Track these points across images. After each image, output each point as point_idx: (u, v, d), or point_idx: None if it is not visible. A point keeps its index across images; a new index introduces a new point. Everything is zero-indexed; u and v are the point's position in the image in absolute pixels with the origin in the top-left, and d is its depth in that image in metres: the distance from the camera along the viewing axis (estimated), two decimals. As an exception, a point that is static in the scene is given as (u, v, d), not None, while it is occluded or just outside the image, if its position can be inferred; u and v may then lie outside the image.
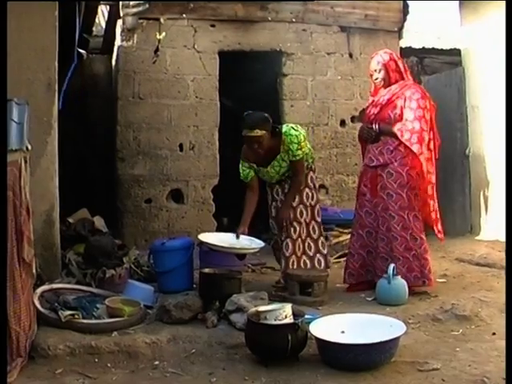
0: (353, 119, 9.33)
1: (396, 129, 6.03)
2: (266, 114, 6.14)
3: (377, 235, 6.17)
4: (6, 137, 4.57)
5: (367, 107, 6.48)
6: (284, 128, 6.13)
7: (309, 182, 6.40)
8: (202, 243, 6.05)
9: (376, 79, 6.29)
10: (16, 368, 4.39)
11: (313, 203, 6.37)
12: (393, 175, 6.06)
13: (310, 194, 6.37)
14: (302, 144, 6.08)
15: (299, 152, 6.08)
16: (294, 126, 6.24)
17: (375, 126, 6.14)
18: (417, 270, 6.02)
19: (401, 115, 6.07)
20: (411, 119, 6.00)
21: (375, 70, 6.27)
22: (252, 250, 6.00)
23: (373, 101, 6.37)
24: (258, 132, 6.00)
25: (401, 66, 6.28)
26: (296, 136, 6.05)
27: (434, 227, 6.29)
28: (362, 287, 6.24)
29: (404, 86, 6.18)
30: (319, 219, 6.41)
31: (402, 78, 6.25)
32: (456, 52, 9.98)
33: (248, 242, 6.06)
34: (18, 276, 4.50)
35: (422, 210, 6.16)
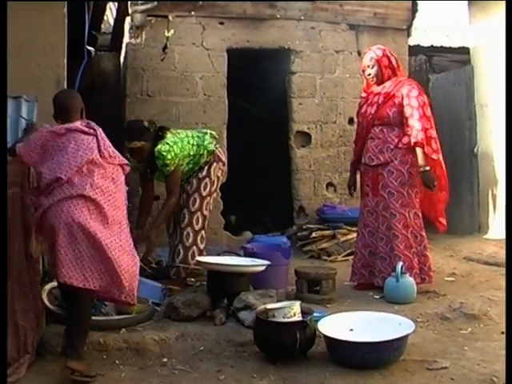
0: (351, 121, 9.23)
1: (420, 153, 5.98)
2: (146, 124, 6.26)
3: (377, 235, 6.18)
4: (5, 136, 4.57)
5: (361, 106, 6.46)
6: (161, 142, 6.13)
7: (211, 173, 6.40)
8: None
9: (369, 75, 6.29)
10: (24, 364, 4.39)
11: (204, 194, 6.36)
12: (393, 173, 6.06)
13: (209, 185, 6.38)
14: (168, 162, 6.08)
15: (166, 169, 6.13)
16: (172, 141, 6.18)
17: (423, 168, 5.99)
18: (416, 268, 6.03)
19: (399, 113, 6.07)
20: (417, 118, 5.98)
21: (368, 66, 6.27)
22: (256, 269, 5.60)
23: (367, 99, 6.36)
24: (137, 144, 6.11)
25: (394, 62, 6.27)
26: (161, 153, 6.05)
27: (441, 218, 6.30)
28: (371, 286, 6.23)
29: (398, 83, 6.18)
30: (206, 212, 6.39)
31: (395, 75, 6.26)
32: (465, 50, 9.95)
33: (250, 262, 5.80)
34: (25, 272, 4.52)
35: (436, 203, 6.19)
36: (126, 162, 4.81)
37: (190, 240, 6.24)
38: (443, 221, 6.37)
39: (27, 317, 4.51)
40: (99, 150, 4.54)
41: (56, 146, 4.48)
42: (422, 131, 5.95)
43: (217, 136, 6.77)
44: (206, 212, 6.36)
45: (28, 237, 4.58)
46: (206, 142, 6.39)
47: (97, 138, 4.57)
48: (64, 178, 4.35)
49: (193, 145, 6.31)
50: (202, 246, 6.32)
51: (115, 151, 4.70)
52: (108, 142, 4.67)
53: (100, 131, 4.65)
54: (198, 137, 6.41)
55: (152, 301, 5.44)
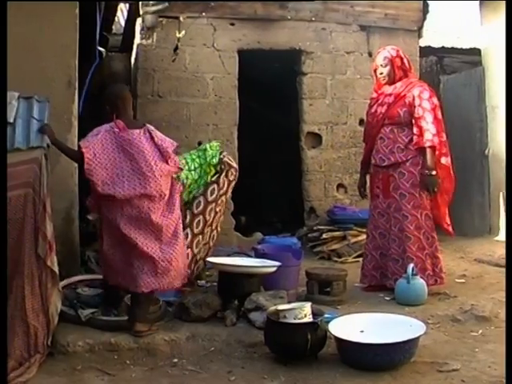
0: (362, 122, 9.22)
1: (431, 156, 5.98)
2: None
3: (389, 237, 6.16)
4: (5, 137, 4.59)
5: (371, 106, 6.44)
6: None
7: (220, 180, 6.28)
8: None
9: (381, 74, 6.27)
10: (35, 364, 4.42)
11: (210, 199, 6.23)
12: (405, 175, 6.05)
13: (216, 191, 6.26)
14: None
15: None
16: None
17: (429, 172, 5.97)
18: (429, 269, 6.03)
19: (410, 113, 6.06)
20: (430, 121, 5.97)
21: (381, 65, 6.26)
22: (267, 270, 5.64)
23: (377, 99, 6.35)
24: None
25: (406, 63, 6.27)
26: None
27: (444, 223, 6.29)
28: (380, 287, 6.21)
29: (409, 84, 6.18)
30: (209, 216, 6.24)
31: (406, 76, 6.25)
32: (476, 51, 9.92)
33: (260, 263, 5.84)
34: (35, 272, 4.53)
35: (440, 206, 6.18)
36: (180, 166, 5.24)
37: (187, 242, 6.05)
38: (449, 225, 6.33)
39: (38, 316, 4.53)
40: (164, 157, 4.99)
41: (112, 157, 4.86)
42: (437, 135, 5.95)
43: (219, 144, 6.61)
44: (208, 217, 6.23)
45: (37, 237, 4.59)
46: (208, 159, 6.30)
47: (156, 144, 5.00)
48: (117, 197, 4.81)
49: (195, 169, 6.24)
50: (196, 250, 6.20)
51: (173, 156, 5.08)
52: (165, 145, 5.07)
53: (155, 134, 5.08)
54: (198, 157, 6.33)
55: (164, 299, 5.43)
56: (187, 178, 6.12)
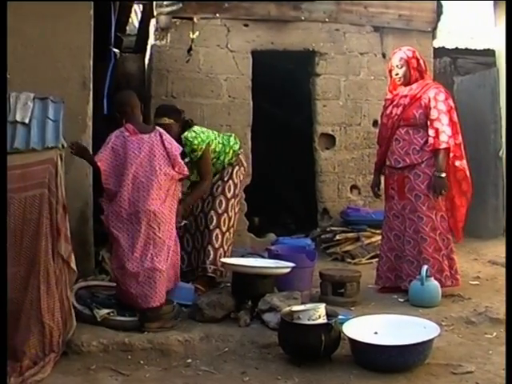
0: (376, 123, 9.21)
1: (442, 158, 5.98)
2: (178, 107, 6.54)
3: (404, 238, 6.15)
4: (5, 137, 4.61)
5: (386, 107, 6.42)
6: (189, 130, 6.22)
7: (234, 175, 6.43)
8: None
9: (396, 74, 6.26)
10: (49, 363, 4.44)
11: (229, 196, 6.36)
12: (420, 176, 6.04)
13: (232, 187, 6.39)
14: (195, 147, 6.11)
15: (194, 154, 6.15)
16: (199, 130, 6.28)
17: (438, 174, 5.98)
18: (447, 270, 6.03)
19: (425, 115, 6.05)
20: (446, 123, 5.96)
21: (397, 66, 6.24)
22: (281, 271, 5.65)
23: (392, 100, 6.33)
24: (166, 120, 6.12)
25: (422, 65, 6.26)
26: (188, 139, 6.13)
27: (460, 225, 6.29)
28: (394, 289, 6.20)
29: (425, 86, 6.16)
30: (231, 214, 6.38)
31: (422, 78, 6.23)
32: (490, 52, 9.89)
33: (274, 264, 5.84)
34: (52, 271, 4.56)
35: (459, 208, 6.20)
36: (186, 173, 5.45)
37: (219, 242, 6.22)
38: (461, 230, 6.33)
39: (53, 316, 4.54)
40: (171, 162, 5.24)
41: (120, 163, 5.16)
42: (452, 137, 5.94)
43: (240, 141, 6.76)
44: (231, 213, 6.36)
45: (57, 237, 4.61)
46: (231, 143, 6.45)
47: (165, 148, 5.24)
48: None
49: (219, 142, 6.36)
50: (226, 248, 6.31)
51: (180, 162, 5.34)
52: (173, 150, 5.30)
53: (166, 137, 5.33)
54: (222, 137, 6.47)
55: (183, 302, 5.46)
56: (212, 141, 6.28)
